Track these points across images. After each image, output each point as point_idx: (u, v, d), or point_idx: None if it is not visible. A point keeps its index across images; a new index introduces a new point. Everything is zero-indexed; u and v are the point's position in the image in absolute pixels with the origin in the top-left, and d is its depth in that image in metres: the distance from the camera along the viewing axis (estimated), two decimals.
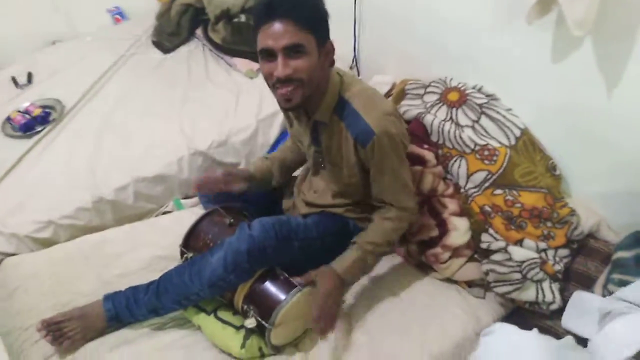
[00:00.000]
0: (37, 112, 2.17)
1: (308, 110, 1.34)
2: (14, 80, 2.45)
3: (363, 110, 1.27)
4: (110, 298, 1.42)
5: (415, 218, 1.47)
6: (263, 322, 1.30)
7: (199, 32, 2.69)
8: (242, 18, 2.45)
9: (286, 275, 1.37)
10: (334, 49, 1.25)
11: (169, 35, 2.66)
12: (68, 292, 1.52)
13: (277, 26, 1.12)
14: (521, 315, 1.47)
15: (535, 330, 1.02)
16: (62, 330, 1.35)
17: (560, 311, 1.37)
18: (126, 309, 1.40)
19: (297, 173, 1.73)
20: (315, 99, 1.29)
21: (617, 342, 0.99)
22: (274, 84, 1.20)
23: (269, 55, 1.16)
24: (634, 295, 1.11)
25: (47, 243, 1.74)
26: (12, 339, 1.43)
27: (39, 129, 2.12)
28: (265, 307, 1.32)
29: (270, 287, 1.36)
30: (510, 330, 1.02)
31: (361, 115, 1.27)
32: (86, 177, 1.88)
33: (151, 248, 1.68)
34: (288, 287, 1.34)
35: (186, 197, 2.03)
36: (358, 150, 1.31)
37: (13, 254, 1.69)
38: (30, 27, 2.78)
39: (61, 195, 1.82)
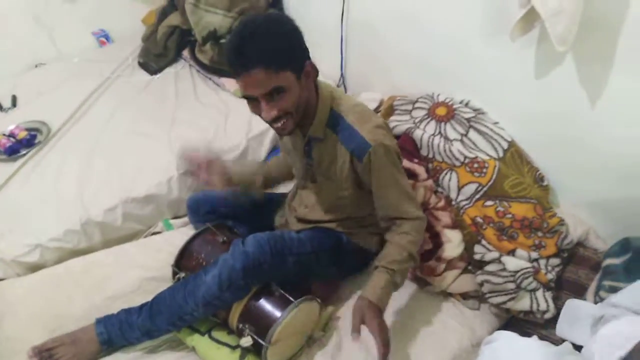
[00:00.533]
0: (22, 134, 2.15)
1: (302, 129, 1.35)
2: None
3: (357, 124, 1.29)
4: (102, 322, 1.40)
5: (425, 224, 1.41)
6: (260, 340, 1.28)
7: (185, 53, 2.70)
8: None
9: (281, 291, 1.36)
10: (313, 67, 1.25)
11: (155, 57, 2.67)
12: (58, 316, 1.49)
13: (252, 76, 1.13)
14: (516, 325, 1.48)
15: (535, 336, 1.04)
16: (53, 357, 1.33)
17: (554, 319, 1.39)
18: (119, 332, 1.37)
19: (286, 189, 1.74)
20: (307, 116, 1.30)
21: (609, 344, 1.00)
22: (267, 122, 1.23)
23: (252, 99, 1.19)
24: (624, 300, 1.13)
25: (34, 267, 1.71)
26: None
27: (25, 151, 2.10)
28: (262, 325, 1.30)
29: (265, 304, 1.35)
30: (511, 337, 1.03)
31: (355, 129, 1.28)
32: (74, 199, 1.86)
33: (141, 269, 1.67)
34: (284, 303, 1.33)
35: (175, 217, 2.02)
36: (354, 164, 1.32)
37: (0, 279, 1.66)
38: (13, 49, 2.76)
39: (49, 217, 1.80)
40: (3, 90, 2.52)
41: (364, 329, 1.22)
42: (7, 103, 2.45)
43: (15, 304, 1.54)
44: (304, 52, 1.22)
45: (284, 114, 1.20)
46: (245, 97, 1.20)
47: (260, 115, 1.21)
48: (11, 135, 2.15)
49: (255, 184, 1.60)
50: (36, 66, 2.84)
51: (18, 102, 2.46)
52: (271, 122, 1.22)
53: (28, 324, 1.47)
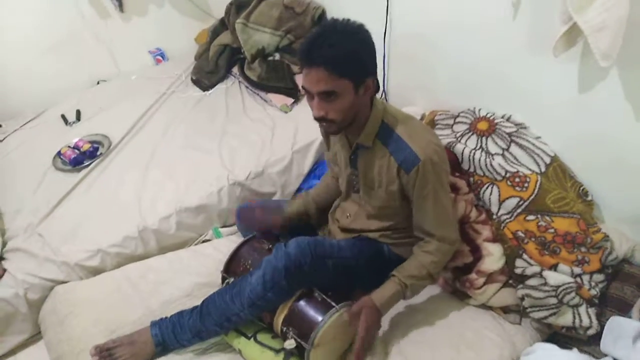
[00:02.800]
0: (86, 147, 2.30)
1: (349, 135, 1.42)
2: (64, 117, 2.62)
3: (408, 137, 1.34)
4: (157, 324, 1.48)
5: (455, 249, 1.48)
6: (302, 343, 1.33)
7: (235, 70, 2.82)
8: (277, 56, 2.58)
9: (324, 296, 1.40)
10: (374, 85, 1.33)
11: (207, 74, 2.80)
12: (116, 319, 1.58)
13: (314, 73, 1.22)
14: (558, 340, 1.46)
15: (575, 349, 1.04)
16: (112, 357, 1.42)
17: (597, 336, 1.38)
18: (172, 333, 1.45)
19: None
20: (358, 125, 1.37)
21: None
22: (314, 117, 1.30)
23: (308, 93, 1.28)
24: None
25: (95, 271, 1.83)
26: None
27: (88, 162, 2.24)
28: (304, 328, 1.35)
29: (308, 308, 1.39)
30: (550, 349, 1.04)
31: (406, 142, 1.33)
32: (132, 208, 1.98)
33: (193, 275, 1.75)
34: (325, 307, 1.37)
35: (224, 226, 2.11)
36: (401, 176, 1.36)
37: (63, 281, 1.78)
38: (77, 67, 2.96)
39: (109, 224, 1.92)
40: (68, 105, 2.71)
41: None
42: (72, 117, 2.62)
43: (78, 306, 1.64)
44: (369, 68, 1.30)
45: (329, 119, 1.28)
46: (303, 88, 1.29)
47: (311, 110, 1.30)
48: (76, 147, 2.32)
49: (310, 216, 1.72)
50: (98, 83, 3.03)
51: (82, 116, 2.63)
52: (317, 120, 1.31)
53: (89, 325, 1.57)
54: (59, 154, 2.31)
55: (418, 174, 1.32)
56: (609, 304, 1.45)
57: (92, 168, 2.22)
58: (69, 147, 2.32)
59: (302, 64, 1.25)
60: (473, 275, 1.53)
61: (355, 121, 1.35)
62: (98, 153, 2.31)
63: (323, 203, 1.75)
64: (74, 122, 2.60)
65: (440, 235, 1.40)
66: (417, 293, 1.42)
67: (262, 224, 1.67)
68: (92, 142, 2.35)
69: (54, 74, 2.88)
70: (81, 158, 2.27)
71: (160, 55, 3.18)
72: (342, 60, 1.20)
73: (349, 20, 1.26)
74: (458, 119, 1.84)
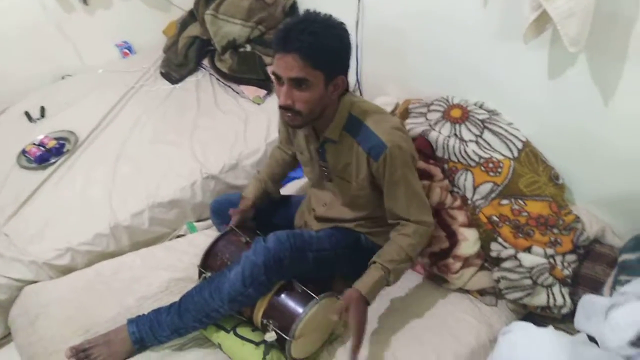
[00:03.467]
0: (51, 144, 2.23)
1: (316, 128, 1.41)
2: (28, 114, 2.52)
3: (374, 125, 1.34)
4: (134, 322, 1.45)
5: (431, 232, 1.47)
6: (283, 335, 1.33)
7: (205, 62, 2.78)
8: (248, 48, 2.55)
9: (303, 287, 1.40)
10: (344, 83, 1.32)
11: (176, 67, 2.75)
12: (90, 318, 1.55)
13: (289, 58, 1.20)
14: (533, 320, 1.48)
15: (550, 327, 1.07)
16: (89, 357, 1.38)
17: (570, 314, 1.42)
18: (150, 331, 1.42)
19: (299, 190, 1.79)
20: (324, 120, 1.36)
21: (619, 327, 1.05)
22: (279, 105, 1.29)
23: (277, 79, 1.27)
24: (633, 288, 1.15)
25: (65, 270, 1.78)
26: None
27: (54, 160, 2.18)
28: (285, 320, 1.34)
29: (288, 300, 1.39)
30: (527, 327, 1.06)
31: (373, 130, 1.34)
32: (103, 205, 1.93)
33: (168, 271, 1.72)
34: (306, 299, 1.37)
35: (199, 220, 2.08)
36: (370, 164, 1.36)
37: (32, 281, 1.72)
38: (40, 62, 2.86)
39: (79, 222, 1.87)
40: (32, 101, 2.61)
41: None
42: (36, 114, 2.53)
43: (49, 306, 1.59)
44: (343, 66, 1.29)
45: (295, 110, 1.27)
46: (274, 73, 1.27)
47: (278, 98, 1.29)
48: (41, 144, 2.24)
49: (270, 193, 1.73)
50: (63, 78, 2.94)
51: (46, 112, 2.55)
52: (282, 109, 1.30)
53: (61, 325, 1.53)
54: (23, 152, 2.23)
55: (386, 160, 1.32)
56: (581, 283, 1.49)
57: (59, 165, 2.15)
58: (34, 144, 2.25)
59: (278, 48, 1.22)
60: (450, 260, 1.56)
61: (321, 117, 1.35)
62: (64, 150, 2.24)
63: (278, 177, 1.77)
64: (38, 119, 2.51)
65: (415, 219, 1.40)
66: (399, 278, 1.41)
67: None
68: (57, 139, 2.28)
69: (15, 69, 2.76)
70: (47, 155, 2.20)
71: (127, 49, 3.09)
72: (319, 50, 1.20)
73: (331, 15, 1.25)
74: (432, 107, 1.85)
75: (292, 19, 1.25)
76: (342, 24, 1.26)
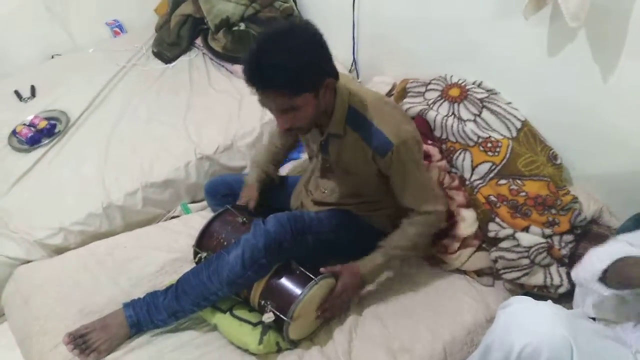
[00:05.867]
0: (42, 124, 2.19)
1: (319, 125, 1.38)
2: (17, 93, 2.47)
3: (379, 121, 1.31)
4: (130, 305, 1.44)
5: (442, 219, 1.48)
6: (281, 316, 1.32)
7: (198, 41, 2.73)
8: (242, 26, 2.49)
9: (302, 269, 1.39)
10: (333, 82, 1.26)
11: (169, 46, 2.70)
12: (84, 297, 1.54)
13: (268, 95, 1.15)
14: None
15: (549, 301, 1.07)
16: (87, 343, 1.37)
17: (567, 294, 1.43)
18: (147, 314, 1.41)
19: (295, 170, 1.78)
20: (326, 116, 1.33)
21: (594, 259, 1.10)
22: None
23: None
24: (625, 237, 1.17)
25: (57, 249, 1.77)
26: (30, 345, 1.45)
27: (46, 141, 2.14)
28: (283, 302, 1.34)
29: (286, 281, 1.38)
30: (526, 301, 1.07)
31: (377, 127, 1.31)
32: (95, 184, 1.91)
33: (163, 251, 1.71)
34: (304, 280, 1.36)
35: (194, 202, 2.07)
36: (377, 160, 1.35)
37: (24, 260, 1.71)
38: (29, 41, 2.80)
39: (71, 202, 1.85)
40: (22, 81, 2.56)
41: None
42: (26, 93, 2.48)
43: (43, 285, 1.58)
44: (324, 71, 1.22)
45: (297, 127, 1.25)
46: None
47: None
48: (32, 125, 2.20)
49: (273, 178, 1.71)
50: (52, 57, 2.88)
51: (37, 92, 2.50)
52: (284, 131, 1.28)
53: (56, 305, 1.51)
54: (14, 132, 2.19)
55: (393, 157, 1.31)
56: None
57: (51, 146, 2.11)
58: (25, 125, 2.20)
59: (251, 87, 1.15)
60: (448, 241, 1.56)
61: (323, 114, 1.32)
62: (56, 130, 2.20)
63: (279, 160, 1.75)
64: (28, 98, 2.46)
65: (425, 209, 1.40)
66: (402, 261, 1.43)
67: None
68: (49, 119, 2.24)
69: (3, 48, 2.71)
70: (38, 136, 2.16)
71: (118, 27, 3.03)
72: (292, 81, 1.12)
73: (289, 27, 1.17)
74: (429, 87, 1.84)
75: (250, 53, 1.13)
76: (304, 27, 1.18)
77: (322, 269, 1.38)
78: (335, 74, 1.26)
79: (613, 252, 1.06)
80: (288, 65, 1.10)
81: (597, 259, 1.08)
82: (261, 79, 1.12)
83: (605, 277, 1.05)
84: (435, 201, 1.44)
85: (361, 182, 1.45)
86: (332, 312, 1.42)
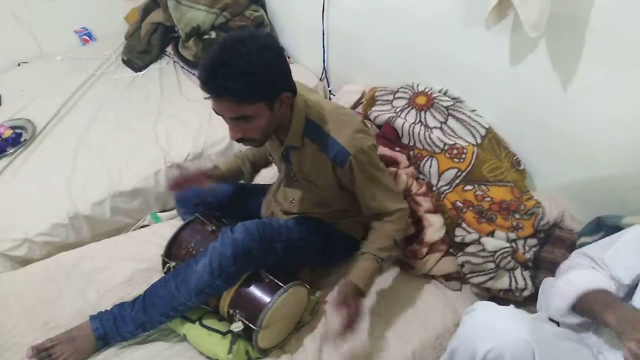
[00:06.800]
0: (7, 133, 2.15)
1: (278, 136, 1.37)
2: None
3: (335, 132, 1.30)
4: (97, 318, 1.41)
5: (408, 213, 1.47)
6: (250, 325, 1.32)
7: (169, 49, 2.73)
8: (213, 34, 2.50)
9: (271, 277, 1.39)
10: (289, 98, 1.24)
11: (139, 54, 2.69)
12: (50, 310, 1.51)
13: (221, 103, 1.13)
14: (496, 303, 1.53)
15: (512, 305, 1.09)
16: (52, 357, 1.34)
17: (532, 297, 1.46)
18: (114, 326, 1.39)
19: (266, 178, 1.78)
20: (283, 129, 1.32)
21: (561, 294, 1.12)
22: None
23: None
24: (590, 250, 1.20)
25: (22, 261, 1.73)
26: None
27: (11, 150, 2.10)
28: (252, 310, 1.33)
29: (255, 290, 1.38)
30: (490, 306, 1.09)
31: (334, 137, 1.30)
32: (62, 194, 1.88)
33: (131, 261, 1.69)
34: (273, 288, 1.36)
35: (163, 211, 2.05)
36: (336, 170, 1.35)
37: None
38: None
39: (37, 212, 1.81)
40: None
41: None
42: None
43: (7, 299, 1.54)
44: (281, 84, 1.20)
45: (248, 139, 1.22)
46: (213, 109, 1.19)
47: None
48: None
49: (244, 174, 1.65)
50: (19, 65, 2.84)
51: (2, 100, 2.45)
52: (236, 141, 1.24)
53: (20, 318, 1.48)
54: None
55: (352, 166, 1.30)
56: (542, 267, 1.53)
57: (16, 156, 2.07)
58: None
59: (206, 92, 1.13)
60: (416, 246, 1.57)
61: (279, 128, 1.30)
62: (22, 139, 2.17)
63: (258, 163, 1.70)
64: None
65: (392, 209, 1.40)
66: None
67: (194, 182, 1.54)
68: (14, 128, 2.20)
69: None
70: (3, 145, 2.12)
71: (87, 35, 3.01)
72: (248, 88, 1.10)
73: (250, 35, 1.14)
74: (397, 95, 1.86)
75: (209, 56, 1.11)
76: (266, 38, 1.17)
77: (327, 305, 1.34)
78: (292, 90, 1.25)
79: (577, 284, 1.09)
80: (244, 71, 1.08)
81: (560, 297, 1.11)
82: (216, 83, 1.10)
83: (574, 309, 1.09)
84: (400, 198, 1.45)
85: (325, 192, 1.45)
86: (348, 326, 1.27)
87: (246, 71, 1.09)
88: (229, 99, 1.12)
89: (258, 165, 1.71)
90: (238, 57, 1.09)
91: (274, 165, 1.65)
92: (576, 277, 1.12)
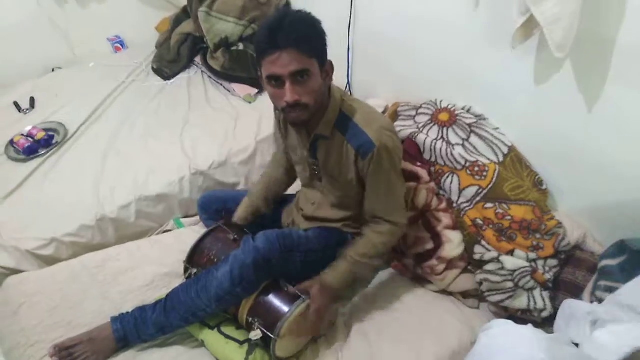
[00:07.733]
0: (40, 135, 2.21)
1: (308, 125, 1.40)
2: (17, 105, 2.50)
3: (364, 124, 1.35)
4: (118, 319, 1.44)
5: (403, 233, 1.52)
6: (268, 334, 1.33)
7: (198, 59, 2.78)
8: (240, 46, 2.55)
9: (290, 286, 1.41)
10: (333, 68, 1.33)
11: (169, 63, 2.75)
12: (73, 310, 1.54)
13: (285, 55, 1.18)
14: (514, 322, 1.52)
15: (530, 325, 1.08)
16: (73, 356, 1.37)
17: (551, 318, 1.44)
18: (134, 328, 1.41)
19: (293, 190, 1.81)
20: (318, 115, 1.36)
21: (605, 348, 1.05)
22: (283, 108, 1.27)
23: (276, 80, 1.23)
24: (627, 298, 1.17)
25: (49, 260, 1.77)
26: (17, 356, 1.44)
27: (43, 152, 2.16)
28: (271, 319, 1.35)
29: (274, 299, 1.39)
30: (507, 324, 1.08)
31: (362, 128, 1.34)
32: (90, 197, 1.92)
33: (154, 265, 1.72)
34: (292, 298, 1.38)
35: (186, 217, 2.08)
36: (358, 162, 1.37)
37: (15, 270, 1.71)
38: (31, 54, 2.84)
39: (65, 213, 1.86)
40: (21, 92, 2.59)
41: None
42: (25, 105, 2.51)
43: (32, 296, 1.58)
44: (326, 51, 1.29)
45: (303, 104, 1.25)
46: (269, 77, 1.23)
47: (279, 100, 1.25)
48: (29, 135, 2.23)
49: (264, 212, 1.71)
50: (53, 70, 2.92)
51: (36, 104, 2.53)
52: (289, 108, 1.25)
53: (45, 316, 1.51)
54: (11, 142, 2.21)
55: (373, 159, 1.33)
56: (562, 288, 1.51)
57: (47, 157, 2.13)
58: (22, 135, 2.23)
59: (269, 47, 1.19)
60: (434, 262, 1.57)
61: (314, 115, 1.33)
62: (53, 142, 2.23)
63: (273, 196, 1.73)
64: (27, 110, 2.49)
65: (391, 219, 1.43)
66: (370, 272, 1.47)
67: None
68: (47, 130, 2.26)
69: (6, 60, 2.75)
70: (35, 147, 2.18)
71: (119, 43, 3.09)
72: (310, 39, 1.22)
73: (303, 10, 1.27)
74: (420, 110, 1.87)
75: (271, 18, 1.23)
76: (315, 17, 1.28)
77: (291, 288, 1.40)
78: (332, 66, 1.34)
79: (622, 340, 1.04)
80: (305, 27, 1.21)
81: (608, 348, 1.04)
82: (283, 35, 1.17)
83: None
84: (403, 214, 1.47)
85: (346, 189, 1.47)
86: (313, 332, 1.43)
87: (307, 25, 1.22)
88: (294, 49, 1.18)
89: (274, 197, 1.74)
90: (298, 16, 1.23)
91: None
92: (620, 331, 1.06)
